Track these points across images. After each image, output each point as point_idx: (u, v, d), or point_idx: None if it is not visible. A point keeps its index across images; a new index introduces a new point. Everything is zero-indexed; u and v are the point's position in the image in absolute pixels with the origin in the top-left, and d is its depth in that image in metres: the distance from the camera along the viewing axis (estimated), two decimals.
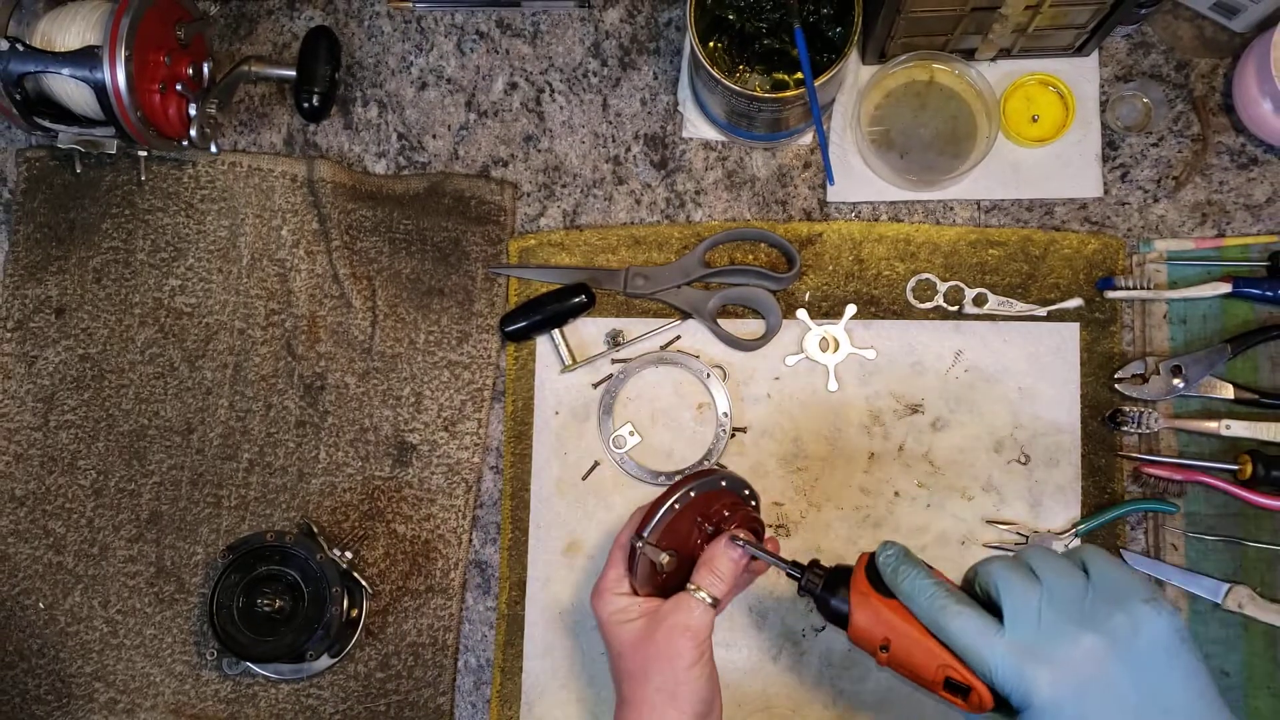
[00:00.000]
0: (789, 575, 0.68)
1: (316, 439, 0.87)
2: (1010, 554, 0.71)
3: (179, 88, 0.84)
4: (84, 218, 0.90)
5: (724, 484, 0.73)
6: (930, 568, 0.62)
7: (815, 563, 0.68)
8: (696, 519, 0.71)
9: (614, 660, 0.70)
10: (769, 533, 0.80)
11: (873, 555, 0.64)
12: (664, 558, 0.69)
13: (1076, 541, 0.82)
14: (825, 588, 0.65)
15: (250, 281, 0.89)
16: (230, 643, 0.79)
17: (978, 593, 0.61)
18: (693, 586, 0.68)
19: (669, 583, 0.71)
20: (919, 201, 0.87)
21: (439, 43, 0.91)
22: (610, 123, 0.90)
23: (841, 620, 0.64)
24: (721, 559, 0.68)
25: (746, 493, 0.75)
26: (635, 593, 0.71)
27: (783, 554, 0.70)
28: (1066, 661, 0.55)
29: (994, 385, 0.85)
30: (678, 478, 0.81)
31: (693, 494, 0.71)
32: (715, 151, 0.89)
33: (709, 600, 0.67)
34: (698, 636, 0.66)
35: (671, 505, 0.70)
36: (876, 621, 0.61)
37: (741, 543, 0.69)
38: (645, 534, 0.69)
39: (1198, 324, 0.84)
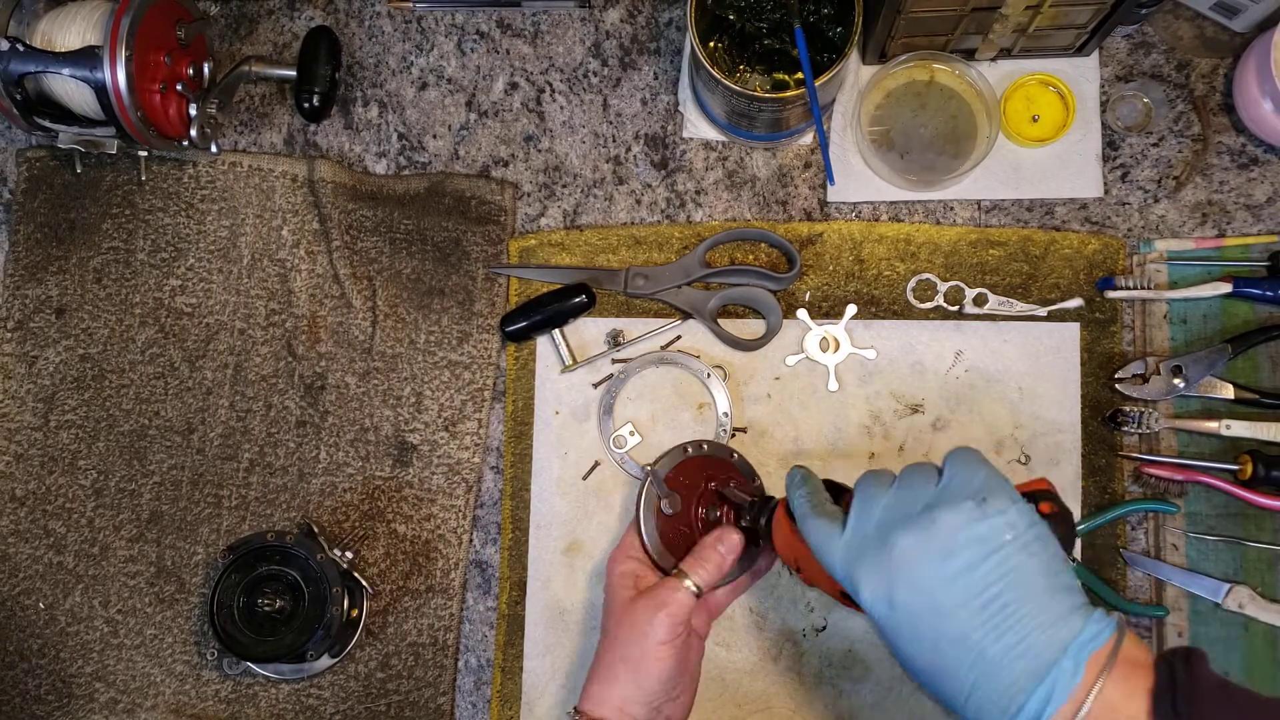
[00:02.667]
0: (750, 519, 0.74)
1: (317, 439, 0.87)
2: None
3: (179, 88, 0.84)
4: (84, 218, 0.90)
5: (734, 458, 0.79)
6: (825, 482, 0.65)
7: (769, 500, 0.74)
8: (704, 476, 0.77)
9: (607, 613, 0.74)
10: None
11: None
12: (666, 503, 0.76)
13: (1077, 542, 0.82)
14: (767, 521, 0.70)
15: (251, 281, 0.89)
16: (231, 643, 0.79)
17: None
18: (678, 573, 0.72)
19: (672, 539, 0.76)
20: (919, 201, 0.87)
21: (439, 43, 0.91)
22: (610, 123, 0.90)
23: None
24: (710, 551, 0.73)
25: (757, 483, 0.80)
26: (648, 554, 0.75)
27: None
28: (885, 562, 0.54)
29: (994, 385, 0.85)
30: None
31: (705, 448, 0.79)
32: (715, 151, 0.89)
33: (692, 588, 0.71)
34: (673, 617, 0.69)
35: (685, 448, 0.78)
36: (786, 546, 0.66)
37: (728, 495, 0.76)
38: (657, 465, 0.77)
39: (1198, 324, 0.84)
